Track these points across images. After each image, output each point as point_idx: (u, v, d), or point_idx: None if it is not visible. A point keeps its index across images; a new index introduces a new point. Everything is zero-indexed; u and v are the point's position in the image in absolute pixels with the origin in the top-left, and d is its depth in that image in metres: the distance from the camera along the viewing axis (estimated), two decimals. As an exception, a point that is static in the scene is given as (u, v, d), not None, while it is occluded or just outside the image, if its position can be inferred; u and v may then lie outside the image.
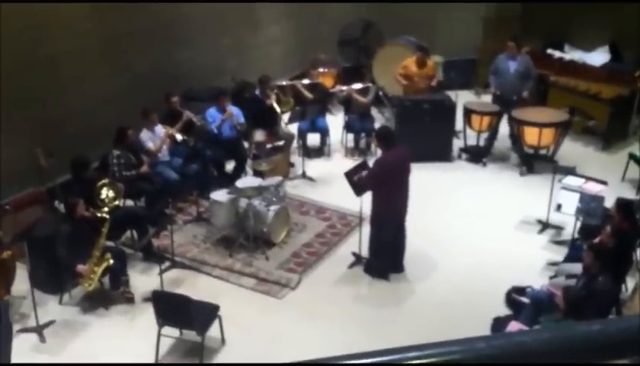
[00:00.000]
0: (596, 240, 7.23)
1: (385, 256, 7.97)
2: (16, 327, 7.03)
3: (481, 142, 10.83)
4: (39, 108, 8.78)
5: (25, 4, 8.39)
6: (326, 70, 12.48)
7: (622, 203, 7.41)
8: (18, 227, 7.78)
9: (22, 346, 6.84)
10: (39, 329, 7.07)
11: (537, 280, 7.59)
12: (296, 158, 10.65)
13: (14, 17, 8.26)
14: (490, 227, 8.96)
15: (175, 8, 10.58)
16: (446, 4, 13.19)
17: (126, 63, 9.95)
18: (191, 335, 6.75)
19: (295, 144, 10.79)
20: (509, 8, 13.28)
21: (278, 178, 9.16)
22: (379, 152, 9.58)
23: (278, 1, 12.47)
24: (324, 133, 11.00)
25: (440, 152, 10.64)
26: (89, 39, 9.41)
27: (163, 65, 10.48)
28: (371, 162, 8.14)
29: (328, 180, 10.14)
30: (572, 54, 12.52)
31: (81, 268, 7.27)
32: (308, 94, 11.01)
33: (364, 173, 7.80)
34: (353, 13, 13.01)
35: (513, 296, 7.39)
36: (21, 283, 7.35)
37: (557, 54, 12.49)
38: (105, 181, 8.13)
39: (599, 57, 12.25)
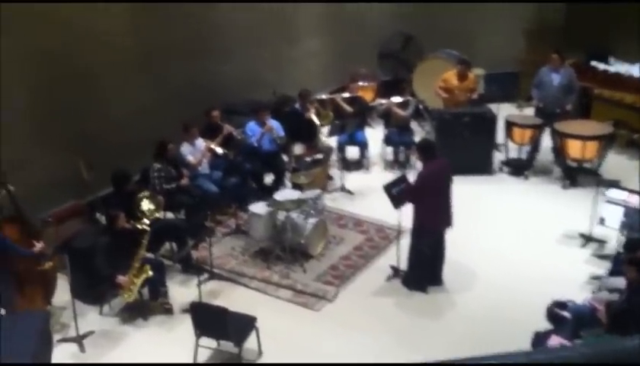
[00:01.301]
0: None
1: (425, 268, 7.90)
2: (56, 337, 7.17)
3: (523, 155, 10.68)
4: (80, 121, 8.96)
5: (64, 17, 8.56)
6: (366, 84, 12.48)
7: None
8: (59, 239, 7.91)
9: (62, 356, 6.98)
10: (79, 339, 7.17)
11: (579, 294, 7.43)
12: (334, 171, 10.64)
13: (55, 31, 8.45)
14: (531, 240, 8.82)
15: (214, 20, 10.71)
16: (487, 16, 13.08)
17: (165, 76, 10.08)
18: (228, 346, 6.77)
19: (334, 157, 10.79)
20: (551, 20, 13.12)
21: (317, 191, 9.17)
22: (419, 165, 9.56)
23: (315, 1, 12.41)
24: (363, 146, 10.98)
25: (481, 165, 10.53)
26: (128, 52, 9.58)
27: (201, 78, 10.59)
28: (410, 176, 8.08)
29: (366, 193, 10.10)
30: (617, 66, 12.27)
31: (120, 279, 7.35)
32: (348, 108, 11.02)
33: (403, 186, 7.74)
34: (393, 26, 12.98)
35: (555, 310, 7.21)
36: (62, 293, 7.48)
37: (601, 66, 12.27)
38: (146, 193, 8.24)
39: (645, 69, 12.00)
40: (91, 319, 7.60)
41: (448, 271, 8.02)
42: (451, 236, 7.88)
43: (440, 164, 7.63)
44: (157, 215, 8.20)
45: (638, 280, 6.27)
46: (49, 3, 8.32)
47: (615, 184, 8.56)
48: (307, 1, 12.28)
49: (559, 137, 10.17)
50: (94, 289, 7.68)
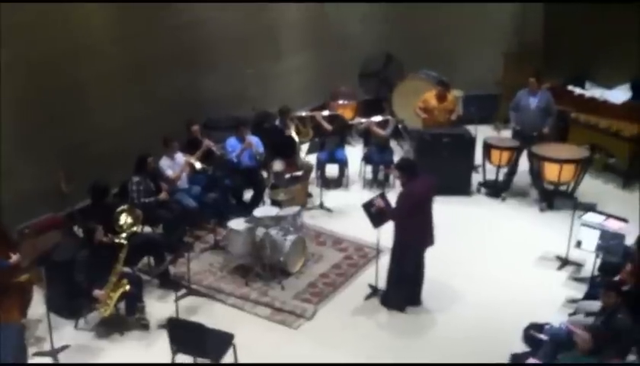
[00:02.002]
0: (617, 278, 7.15)
1: (404, 288, 7.91)
2: (31, 350, 7.09)
3: (501, 177, 10.78)
4: (63, 132, 8.90)
5: (50, 28, 8.52)
6: (346, 102, 12.55)
7: (643, 241, 7.34)
8: (37, 251, 7.83)
9: (36, 370, 6.86)
10: (54, 353, 7.08)
11: (556, 317, 7.49)
12: (314, 189, 10.66)
13: (41, 40, 8.40)
14: (508, 262, 8.88)
15: (200, 34, 10.73)
16: (467, 38, 13.23)
17: (150, 89, 10.07)
18: (205, 363, 6.70)
19: (313, 175, 10.81)
20: (530, 44, 13.30)
21: (296, 208, 9.16)
22: (397, 184, 9.60)
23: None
24: (343, 164, 11.02)
25: (459, 186, 10.61)
26: (113, 64, 9.54)
27: (186, 91, 10.60)
28: (390, 195, 8.10)
29: (345, 211, 10.13)
30: (593, 91, 12.45)
31: (97, 293, 7.28)
32: (328, 126, 11.06)
33: (383, 205, 7.74)
34: (375, 46, 13.08)
35: (532, 332, 7.29)
36: (38, 306, 7.41)
37: (578, 91, 12.45)
38: (124, 207, 8.20)
39: (620, 94, 12.17)
40: (67, 332, 7.51)
41: (426, 292, 8.05)
42: (429, 256, 7.90)
43: (423, 181, 7.63)
44: (135, 229, 8.16)
45: (616, 305, 6.34)
46: (35, 14, 8.28)
47: (591, 207, 8.66)
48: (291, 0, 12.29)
49: (536, 160, 10.27)
50: (70, 302, 7.59)
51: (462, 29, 13.21)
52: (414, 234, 7.63)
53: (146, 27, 9.82)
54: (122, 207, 8.19)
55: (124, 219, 8.12)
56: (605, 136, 11.24)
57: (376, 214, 7.77)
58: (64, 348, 7.20)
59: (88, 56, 9.16)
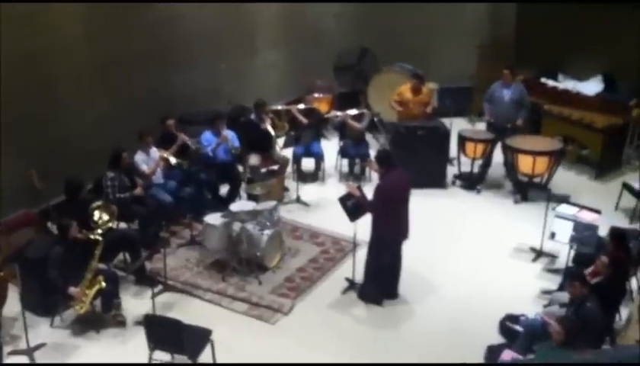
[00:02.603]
0: (590, 269, 7.23)
1: (381, 281, 7.95)
2: (6, 349, 7.05)
3: (476, 170, 10.85)
4: (34, 130, 8.80)
5: (21, 26, 8.41)
6: (321, 95, 12.54)
7: (616, 233, 7.44)
8: (11, 248, 7.78)
9: (12, 369, 6.80)
10: (29, 351, 7.02)
11: (531, 308, 7.57)
12: (290, 183, 10.65)
13: (10, 39, 8.28)
14: (484, 254, 8.95)
15: (174, 31, 10.65)
16: (441, 32, 13.28)
17: (123, 86, 9.98)
18: (183, 359, 6.66)
19: (289, 169, 10.79)
20: (503, 37, 13.39)
21: (272, 203, 9.14)
22: (374, 177, 9.63)
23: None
24: (319, 158, 11.02)
25: (434, 179, 10.65)
26: (86, 62, 9.43)
27: (160, 88, 10.52)
28: (366, 188, 8.12)
29: (322, 205, 10.14)
30: (566, 83, 12.58)
31: (73, 290, 7.22)
32: (304, 119, 11.05)
33: (359, 194, 7.76)
34: (350, 39, 13.08)
35: (507, 324, 7.37)
36: (13, 304, 7.30)
37: (551, 83, 12.56)
38: (99, 203, 8.15)
39: (592, 86, 12.31)
40: (42, 331, 7.44)
41: (403, 285, 8.09)
42: (405, 249, 7.94)
43: (400, 175, 7.67)
44: (110, 225, 8.10)
45: (582, 294, 6.43)
46: (5, 12, 8.17)
47: (565, 199, 8.76)
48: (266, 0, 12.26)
49: (510, 152, 10.36)
50: (45, 300, 7.52)
51: (436, 23, 13.26)
52: (391, 227, 7.67)
53: (119, 24, 9.72)
54: (96, 203, 8.13)
55: (99, 215, 8.06)
56: (578, 128, 11.36)
57: (353, 208, 7.79)
58: (40, 346, 7.14)
59: (60, 54, 9.05)
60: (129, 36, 9.93)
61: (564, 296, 7.22)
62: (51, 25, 8.89)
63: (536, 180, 10.39)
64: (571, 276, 6.82)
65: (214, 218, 8.58)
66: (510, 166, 10.49)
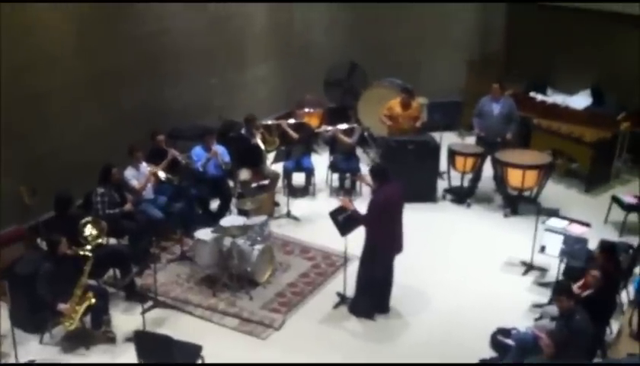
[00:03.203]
0: (580, 282, 7.25)
1: (373, 295, 7.94)
2: (-5, 366, 6.97)
3: (465, 184, 10.88)
4: (24, 144, 8.77)
5: (11, 40, 8.41)
6: (312, 110, 12.55)
7: (606, 246, 7.47)
8: (0, 265, 7.70)
9: (0, 386, 6.75)
10: (18, 369, 6.97)
11: (522, 322, 7.59)
12: (280, 198, 10.64)
13: (1, 53, 8.27)
14: (474, 268, 8.96)
15: (163, 45, 10.66)
16: (430, 46, 13.35)
17: (113, 100, 9.97)
18: (173, 375, 6.65)
19: (280, 183, 10.79)
20: (492, 52, 13.48)
21: (263, 217, 9.13)
22: (365, 192, 9.65)
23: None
24: (310, 172, 11.02)
25: (424, 193, 10.68)
26: (75, 76, 9.40)
27: (150, 102, 10.51)
28: (356, 203, 8.13)
29: (312, 219, 10.13)
30: (555, 97, 12.66)
31: (62, 306, 7.19)
32: (294, 134, 11.06)
33: (350, 213, 7.77)
34: (339, 54, 13.13)
35: (499, 338, 7.37)
36: (2, 321, 7.27)
37: (540, 97, 12.64)
38: (88, 218, 8.11)
39: (581, 100, 12.40)
40: (32, 347, 7.39)
41: (394, 298, 8.09)
42: (397, 263, 7.94)
43: (393, 188, 7.68)
44: (100, 241, 8.06)
45: (570, 308, 6.44)
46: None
47: (554, 212, 8.78)
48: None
49: (500, 166, 10.39)
50: (34, 316, 7.47)
51: (425, 38, 13.34)
52: (384, 240, 7.67)
53: (108, 38, 9.72)
54: (86, 219, 8.10)
55: (89, 230, 8.03)
56: (567, 142, 11.42)
57: (344, 222, 7.79)
58: (29, 363, 7.08)
59: (50, 68, 9.02)
60: (119, 51, 9.92)
61: (555, 310, 7.22)
62: (41, 39, 8.86)
63: (526, 193, 10.42)
64: (557, 290, 6.82)
65: (205, 233, 8.56)
66: (500, 180, 10.53)
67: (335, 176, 11.21)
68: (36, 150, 8.93)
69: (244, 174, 10.33)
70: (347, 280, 8.14)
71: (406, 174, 9.84)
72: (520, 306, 8.13)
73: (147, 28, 10.34)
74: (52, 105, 9.17)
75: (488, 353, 7.27)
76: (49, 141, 9.12)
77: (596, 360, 6.81)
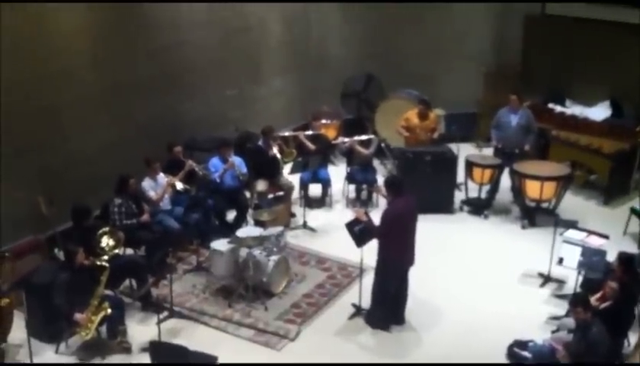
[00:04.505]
0: (598, 294, 7.18)
1: (388, 307, 7.90)
2: (11, 376, 7.00)
3: (483, 195, 10.82)
4: (40, 156, 8.85)
5: (27, 52, 8.50)
6: (328, 122, 12.58)
7: (624, 258, 7.38)
8: (17, 275, 7.76)
9: (17, 395, 6.78)
10: (34, 378, 7.00)
11: (539, 334, 7.51)
12: (297, 209, 10.65)
13: (17, 65, 8.37)
14: (491, 280, 8.90)
15: (179, 57, 10.73)
16: (447, 58, 13.34)
17: (129, 112, 10.04)
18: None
19: (296, 194, 10.80)
20: (509, 64, 13.43)
21: (279, 228, 9.13)
22: (382, 203, 9.62)
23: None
24: (326, 183, 11.02)
25: (441, 204, 10.64)
26: (91, 88, 9.49)
27: (166, 114, 10.58)
28: (372, 214, 8.11)
29: (328, 230, 10.12)
30: (573, 109, 12.58)
31: (78, 316, 7.22)
32: (311, 145, 11.07)
33: (366, 218, 7.76)
34: (356, 66, 13.16)
35: (515, 350, 7.30)
36: (18, 331, 7.32)
37: (558, 108, 12.56)
38: (106, 229, 8.15)
39: (600, 112, 12.31)
40: (48, 357, 7.42)
41: (410, 310, 8.05)
42: (413, 275, 7.91)
43: (407, 201, 7.66)
44: (117, 251, 8.11)
45: (586, 320, 6.37)
46: (12, 38, 8.27)
47: (572, 224, 8.70)
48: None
49: (518, 177, 10.33)
50: (51, 326, 7.51)
51: (441, 50, 13.32)
52: (397, 253, 7.64)
53: (124, 50, 9.80)
54: (103, 229, 8.14)
55: (106, 241, 8.08)
56: (585, 153, 11.33)
57: (360, 233, 7.77)
58: (44, 369, 7.14)
59: (66, 79, 9.12)
60: (135, 63, 10.01)
61: (573, 322, 7.17)
62: (57, 51, 8.97)
63: (544, 205, 10.35)
64: (573, 301, 6.75)
65: (221, 244, 8.57)
66: (518, 191, 10.47)
67: (352, 187, 11.19)
68: (52, 162, 9.00)
69: (261, 185, 10.35)
70: (362, 292, 8.12)
71: (423, 186, 9.91)
72: (537, 318, 8.05)
73: (163, 41, 10.43)
74: (68, 117, 9.25)
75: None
76: (67, 152, 9.21)
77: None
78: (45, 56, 8.80)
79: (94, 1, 9.29)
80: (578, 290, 7.92)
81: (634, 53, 11.85)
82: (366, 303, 8.08)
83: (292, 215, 10.54)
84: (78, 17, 9.17)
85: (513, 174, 10.46)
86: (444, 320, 8.11)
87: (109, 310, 7.34)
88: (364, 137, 11.14)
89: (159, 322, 7.38)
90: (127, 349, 7.53)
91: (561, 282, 8.74)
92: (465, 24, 13.30)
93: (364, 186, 11.14)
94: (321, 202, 11.11)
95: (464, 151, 11.35)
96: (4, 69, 8.21)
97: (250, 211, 10.09)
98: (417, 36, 13.23)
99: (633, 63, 11.83)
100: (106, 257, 7.78)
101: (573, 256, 7.91)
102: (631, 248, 9.22)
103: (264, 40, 12.43)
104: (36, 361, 7.06)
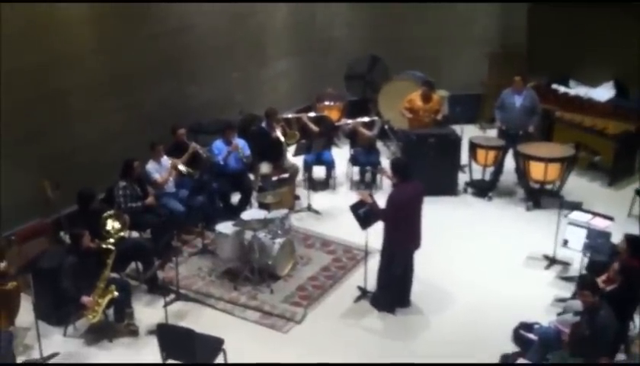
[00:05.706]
0: (604, 276, 7.19)
1: (393, 289, 7.92)
2: (20, 359, 7.04)
3: (487, 177, 10.81)
4: (47, 141, 8.85)
5: (34, 39, 8.47)
6: (332, 104, 12.55)
7: (631, 239, 7.35)
8: (24, 258, 7.78)
9: (25, 378, 6.82)
10: (42, 361, 7.03)
11: (544, 316, 7.53)
12: (301, 191, 10.65)
13: (23, 51, 8.35)
14: (496, 262, 8.91)
15: (184, 42, 10.69)
16: (451, 40, 13.28)
17: (134, 97, 10.02)
18: (196, 368, 6.68)
19: (300, 177, 10.80)
20: (514, 44, 13.37)
21: (283, 211, 9.14)
22: (386, 185, 9.62)
23: None
24: (330, 165, 11.02)
25: (445, 186, 10.63)
26: (97, 73, 9.46)
27: (171, 99, 10.56)
28: (377, 196, 8.11)
29: (333, 213, 10.13)
30: (577, 89, 12.53)
31: (85, 299, 7.24)
32: (314, 127, 11.06)
33: (370, 200, 7.75)
34: (360, 48, 13.10)
35: (521, 332, 7.32)
36: (26, 314, 7.35)
37: (562, 89, 12.52)
38: (111, 212, 8.16)
39: (604, 93, 12.25)
40: (55, 340, 7.46)
41: (415, 293, 8.06)
42: (418, 257, 7.92)
43: (415, 188, 7.65)
44: (122, 234, 8.12)
45: (594, 303, 6.37)
46: (17, 26, 8.23)
47: (577, 206, 8.69)
48: None
49: (522, 159, 10.32)
50: (58, 309, 7.54)
51: (446, 31, 13.27)
52: (402, 236, 7.64)
53: (129, 36, 9.76)
54: (108, 213, 8.14)
55: (111, 224, 8.08)
56: (590, 135, 11.32)
57: (364, 216, 7.77)
58: (53, 355, 7.16)
59: (72, 65, 9.09)
60: (141, 48, 9.97)
61: (578, 304, 7.15)
62: (63, 37, 8.93)
63: (548, 187, 10.34)
64: (581, 284, 6.75)
65: (226, 227, 8.59)
66: (522, 173, 10.46)
67: (356, 169, 11.19)
68: (58, 147, 9.00)
69: (265, 167, 10.34)
70: (367, 274, 8.14)
71: (427, 168, 9.89)
72: (542, 300, 8.07)
73: (168, 26, 10.38)
74: (74, 102, 9.24)
75: (510, 348, 7.22)
76: (71, 137, 9.20)
77: (619, 355, 6.75)
78: (51, 42, 8.77)
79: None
80: (583, 272, 7.94)
81: (638, 34, 11.78)
82: (372, 285, 8.10)
83: (297, 197, 10.55)
84: (84, 2, 9.12)
85: (517, 155, 10.45)
86: (450, 303, 8.13)
87: (115, 293, 7.36)
88: (368, 119, 11.12)
89: (166, 304, 7.41)
90: (134, 332, 7.56)
91: (566, 264, 8.75)
92: (470, 6, 13.24)
93: (368, 168, 11.12)
94: (325, 184, 11.11)
95: (468, 133, 11.33)
96: (10, 54, 8.17)
97: (254, 194, 10.09)
98: (423, 18, 13.16)
99: (637, 44, 11.76)
100: (112, 240, 7.79)
101: (578, 238, 7.91)
102: (635, 229, 9.15)
103: (270, 23, 12.38)
104: (44, 343, 7.08)
